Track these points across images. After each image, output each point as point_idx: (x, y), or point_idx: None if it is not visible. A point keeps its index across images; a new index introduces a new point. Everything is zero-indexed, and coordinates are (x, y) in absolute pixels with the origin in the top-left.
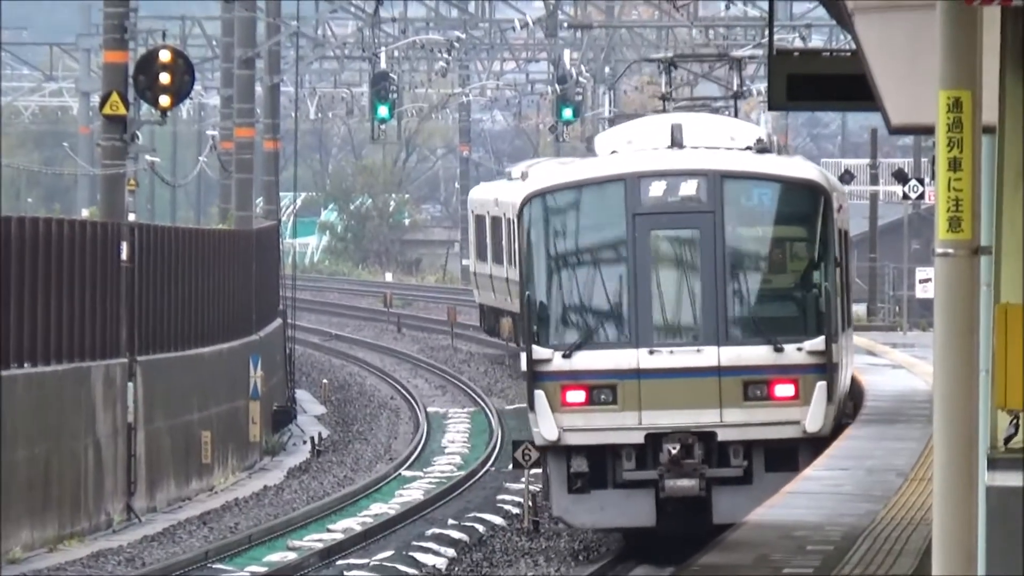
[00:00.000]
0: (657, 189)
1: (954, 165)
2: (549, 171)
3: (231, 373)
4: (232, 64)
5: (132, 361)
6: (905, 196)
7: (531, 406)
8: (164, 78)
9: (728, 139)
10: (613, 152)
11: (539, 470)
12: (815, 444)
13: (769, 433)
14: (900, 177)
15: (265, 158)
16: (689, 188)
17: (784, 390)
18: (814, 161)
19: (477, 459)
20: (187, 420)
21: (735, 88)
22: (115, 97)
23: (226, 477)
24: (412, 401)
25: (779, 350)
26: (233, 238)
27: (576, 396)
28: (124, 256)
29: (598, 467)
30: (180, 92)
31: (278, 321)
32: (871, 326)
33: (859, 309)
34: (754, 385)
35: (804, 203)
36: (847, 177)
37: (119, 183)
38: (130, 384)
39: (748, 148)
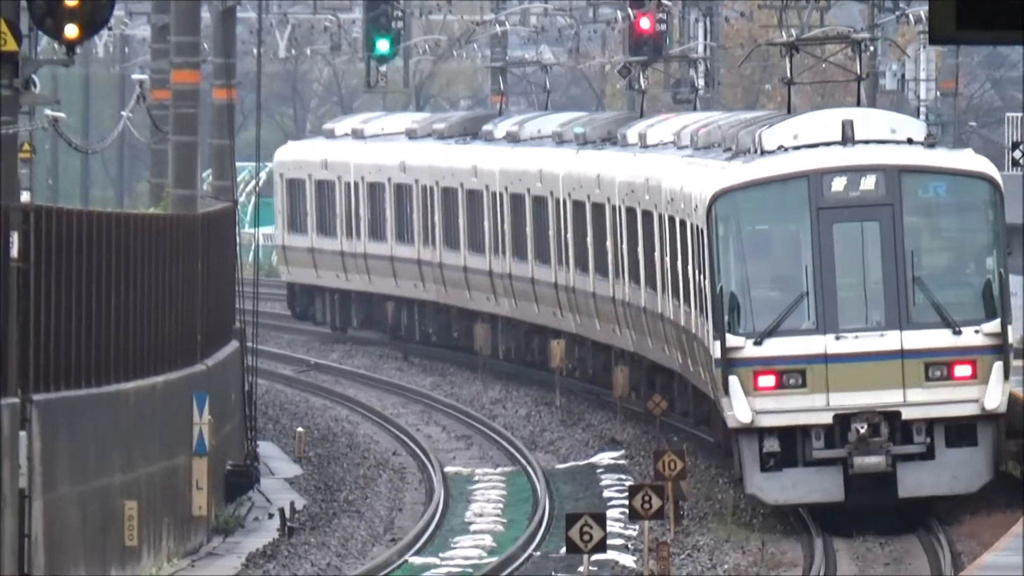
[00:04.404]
0: (839, 184)
1: None
2: (734, 170)
3: (167, 418)
4: None
5: (25, 401)
6: None
7: (725, 391)
8: (71, 0)
9: (889, 132)
10: (781, 147)
11: (602, 555)
12: (993, 420)
13: (950, 411)
14: None
15: (216, 113)
16: (868, 183)
17: (963, 370)
18: (996, 115)
19: (515, 540)
20: (104, 485)
21: (858, 72)
22: (1, 26)
23: (159, 566)
24: (423, 457)
25: (957, 333)
26: (170, 227)
27: (767, 380)
28: (14, 253)
29: (789, 447)
30: (94, 20)
31: (234, 344)
32: None
33: None
34: (934, 366)
35: (976, 194)
36: None
37: (8, 148)
38: (22, 434)
39: (909, 140)
